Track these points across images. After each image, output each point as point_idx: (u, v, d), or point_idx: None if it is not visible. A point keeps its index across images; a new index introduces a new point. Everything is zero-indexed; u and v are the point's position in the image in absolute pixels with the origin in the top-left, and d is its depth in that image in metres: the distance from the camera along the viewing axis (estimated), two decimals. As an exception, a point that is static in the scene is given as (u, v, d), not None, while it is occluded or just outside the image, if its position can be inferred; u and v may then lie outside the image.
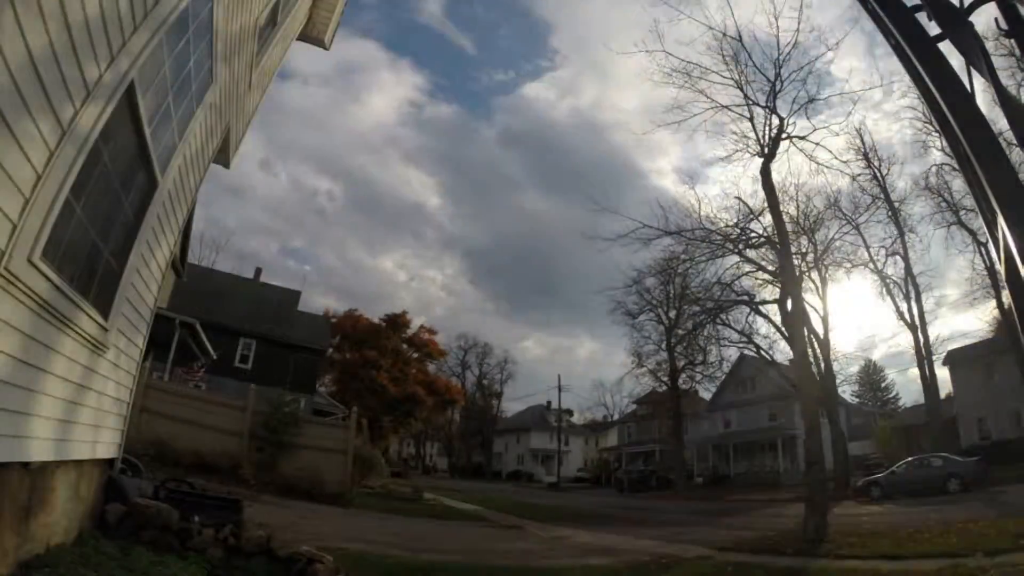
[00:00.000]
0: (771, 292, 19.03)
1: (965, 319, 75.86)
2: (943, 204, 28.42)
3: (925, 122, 26.62)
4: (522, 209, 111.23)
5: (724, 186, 58.05)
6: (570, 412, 66.05)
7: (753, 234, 15.91)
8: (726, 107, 14.77)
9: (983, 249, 26.24)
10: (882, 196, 29.35)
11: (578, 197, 56.40)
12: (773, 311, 19.33)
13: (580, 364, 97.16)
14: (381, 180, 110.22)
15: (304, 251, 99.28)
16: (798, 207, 23.85)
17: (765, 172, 13.95)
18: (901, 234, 29.91)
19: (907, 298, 30.13)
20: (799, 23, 15.26)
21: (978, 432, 27.90)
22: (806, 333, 21.90)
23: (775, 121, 14.26)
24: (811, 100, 14.35)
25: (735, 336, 26.38)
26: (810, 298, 26.45)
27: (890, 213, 29.63)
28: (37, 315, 2.74)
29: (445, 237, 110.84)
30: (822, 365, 27.75)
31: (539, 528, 13.66)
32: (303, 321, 34.16)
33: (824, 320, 28.54)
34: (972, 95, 2.48)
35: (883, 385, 55.49)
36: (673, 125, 15.93)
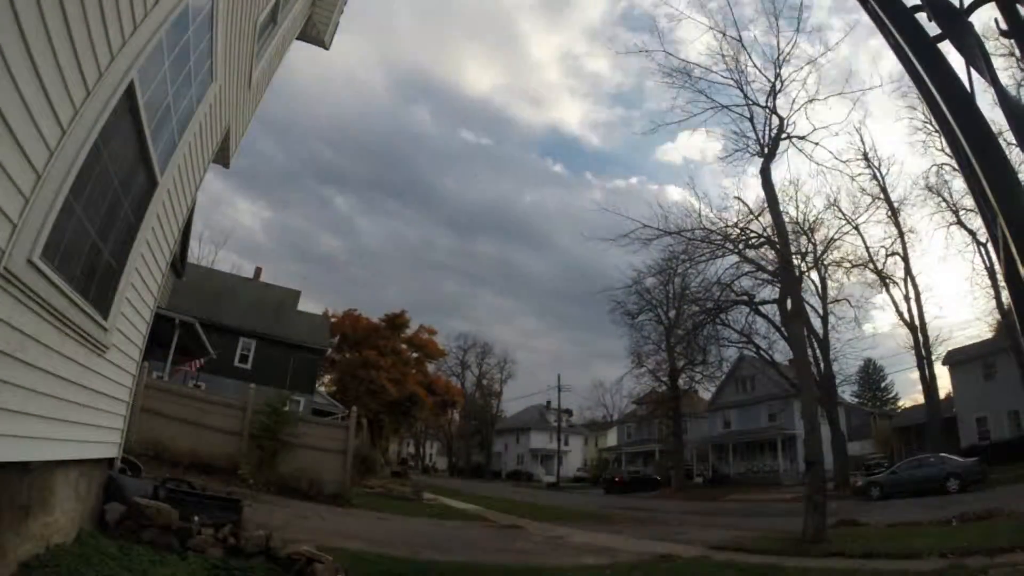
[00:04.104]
0: (771, 292, 19.00)
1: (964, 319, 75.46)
2: (943, 204, 28.51)
3: (925, 122, 26.66)
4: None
5: (724, 186, 58.09)
6: (570, 412, 66.08)
7: (753, 234, 15.86)
8: (726, 107, 14.75)
9: (983, 249, 26.29)
10: (882, 196, 29.41)
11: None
12: (773, 311, 19.30)
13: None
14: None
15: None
16: (798, 207, 23.85)
17: (765, 172, 13.93)
18: (901, 234, 29.97)
19: (907, 298, 30.22)
20: (799, 23, 15.27)
21: (977, 432, 27.90)
22: (806, 333, 21.88)
23: (775, 121, 14.26)
24: (811, 100, 14.33)
25: (735, 336, 26.32)
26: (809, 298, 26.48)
27: (890, 213, 29.69)
28: (37, 315, 2.74)
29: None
30: (822, 365, 27.75)
31: (538, 528, 13.66)
32: (303, 321, 34.17)
33: (824, 320, 28.56)
34: (972, 95, 2.48)
35: (883, 385, 55.54)
36: (673, 125, 15.89)
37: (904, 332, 30.60)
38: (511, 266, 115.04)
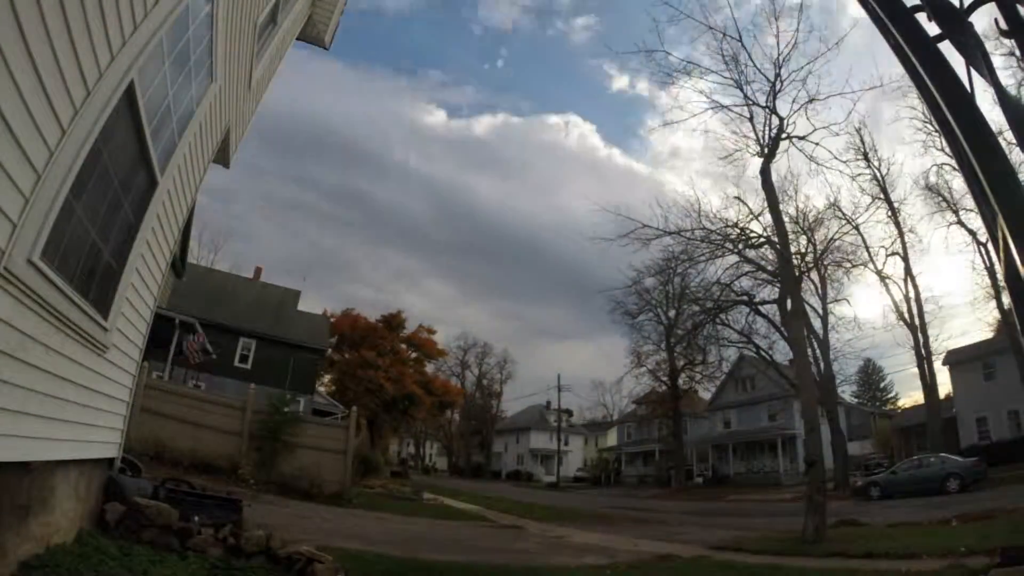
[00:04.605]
0: (771, 292, 19.01)
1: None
2: (943, 204, 28.50)
3: (925, 122, 26.64)
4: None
5: (724, 186, 58.09)
6: (570, 412, 66.12)
7: (753, 234, 15.87)
8: (726, 107, 14.78)
9: (983, 249, 26.28)
10: (882, 196, 29.40)
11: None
12: (773, 311, 19.32)
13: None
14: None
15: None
16: (798, 207, 23.86)
17: (765, 172, 13.94)
18: (901, 234, 29.96)
19: (907, 298, 30.21)
20: (799, 23, 15.29)
21: (977, 432, 27.90)
22: (806, 333, 21.89)
23: (775, 121, 14.27)
24: (811, 100, 14.35)
25: (735, 336, 26.33)
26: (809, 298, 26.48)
27: (890, 213, 29.69)
28: (37, 315, 2.74)
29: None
30: (822, 365, 27.74)
31: (539, 528, 13.66)
32: (303, 321, 34.17)
33: (824, 320, 28.55)
34: (972, 95, 2.48)
35: (883, 385, 55.58)
36: (673, 125, 15.90)
37: (904, 332, 30.61)
38: (364, 199, 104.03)
